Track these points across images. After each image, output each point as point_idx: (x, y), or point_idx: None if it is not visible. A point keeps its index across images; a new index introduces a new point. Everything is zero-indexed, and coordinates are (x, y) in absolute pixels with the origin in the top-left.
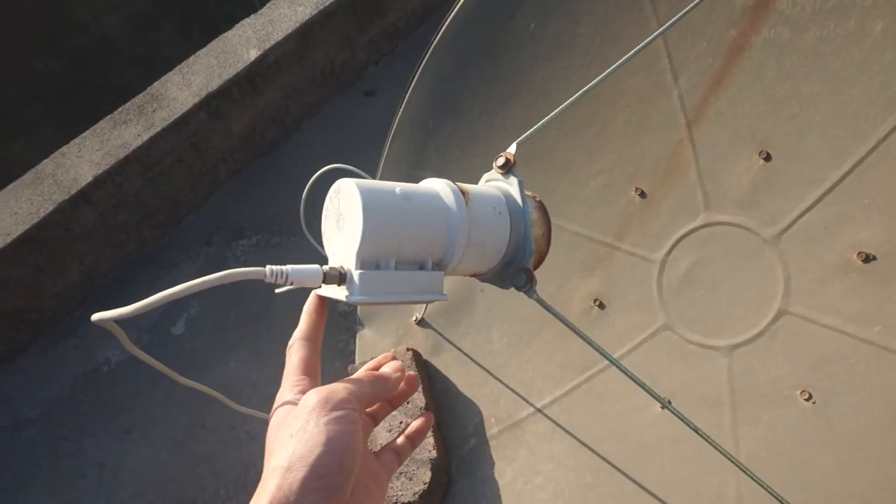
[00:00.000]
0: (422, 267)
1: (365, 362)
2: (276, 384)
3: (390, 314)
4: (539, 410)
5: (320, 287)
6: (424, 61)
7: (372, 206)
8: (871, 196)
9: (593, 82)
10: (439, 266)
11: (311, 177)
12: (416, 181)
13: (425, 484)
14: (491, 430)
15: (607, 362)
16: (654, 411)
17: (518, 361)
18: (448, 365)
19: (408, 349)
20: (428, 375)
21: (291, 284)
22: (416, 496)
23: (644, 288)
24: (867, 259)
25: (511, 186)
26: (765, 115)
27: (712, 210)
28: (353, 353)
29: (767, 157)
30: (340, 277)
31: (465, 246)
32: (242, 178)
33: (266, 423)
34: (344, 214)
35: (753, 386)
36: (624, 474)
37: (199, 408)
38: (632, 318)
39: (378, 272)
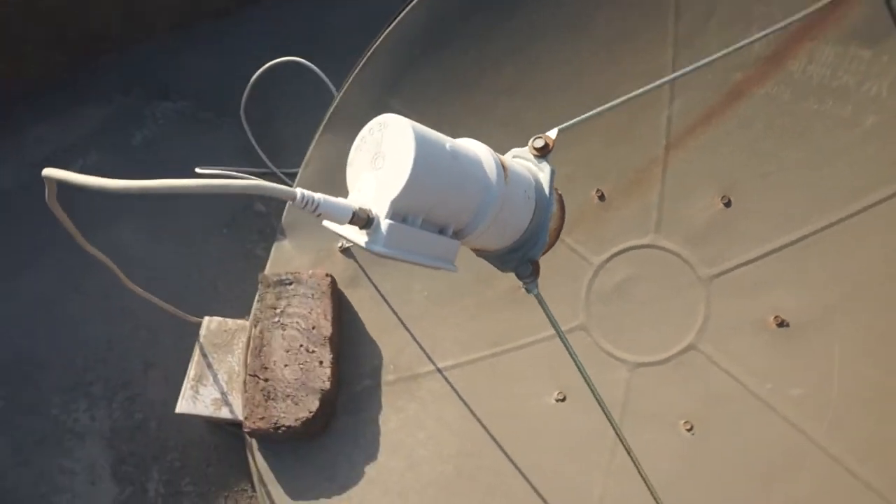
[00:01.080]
0: (441, 232)
1: (279, 275)
2: (167, 266)
3: (316, 233)
4: (439, 371)
5: (343, 226)
6: None
7: (423, 157)
8: (805, 270)
9: (638, 91)
10: (458, 235)
11: (259, 58)
12: (387, 108)
13: (310, 412)
14: (387, 376)
15: (519, 343)
16: (548, 402)
17: (432, 319)
18: (361, 301)
19: (327, 274)
20: (340, 306)
21: (318, 214)
22: (299, 422)
23: (575, 286)
24: (782, 324)
25: (542, 173)
26: (741, 163)
27: (661, 234)
28: (260, 257)
29: (728, 203)
30: (367, 221)
31: (491, 222)
32: (182, 35)
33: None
34: (385, 154)
35: (645, 405)
36: (504, 452)
37: (75, 269)
38: (554, 309)
39: (404, 226)
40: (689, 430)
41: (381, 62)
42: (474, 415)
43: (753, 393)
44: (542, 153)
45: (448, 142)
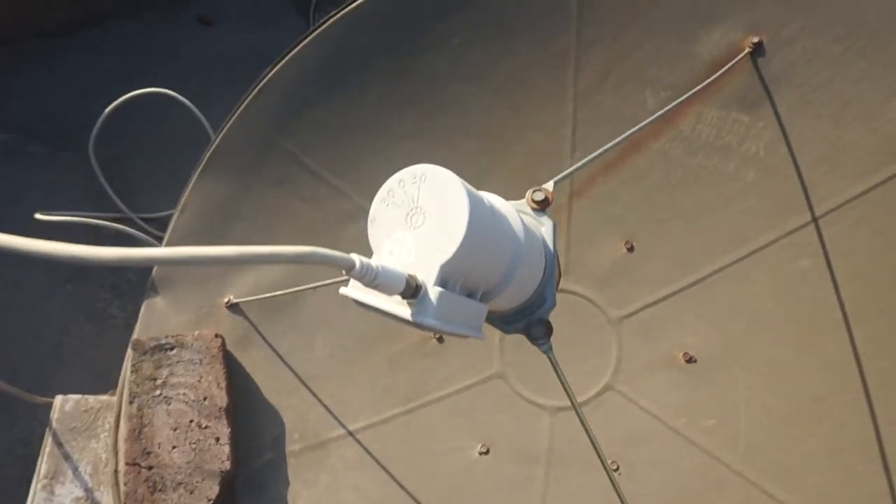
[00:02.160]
0: (470, 295)
1: (157, 339)
2: None
3: (195, 286)
4: (351, 434)
5: (394, 297)
6: (327, 25)
7: (476, 217)
8: (705, 309)
9: (626, 135)
10: (485, 297)
11: (106, 87)
12: (278, 149)
13: (210, 501)
14: (292, 446)
15: (434, 396)
16: (471, 456)
17: (338, 377)
18: (255, 363)
19: (217, 335)
20: (230, 371)
21: (376, 286)
22: None
23: (488, 333)
24: (690, 360)
25: (544, 227)
26: (640, 212)
27: (570, 279)
28: (116, 317)
29: (631, 248)
30: (415, 289)
31: (518, 281)
32: (11, 55)
33: None
34: (426, 210)
35: (571, 449)
36: None
37: None
38: (468, 359)
39: (449, 294)
40: (615, 469)
41: (270, 100)
42: (394, 478)
43: (670, 427)
44: (542, 206)
45: (483, 195)
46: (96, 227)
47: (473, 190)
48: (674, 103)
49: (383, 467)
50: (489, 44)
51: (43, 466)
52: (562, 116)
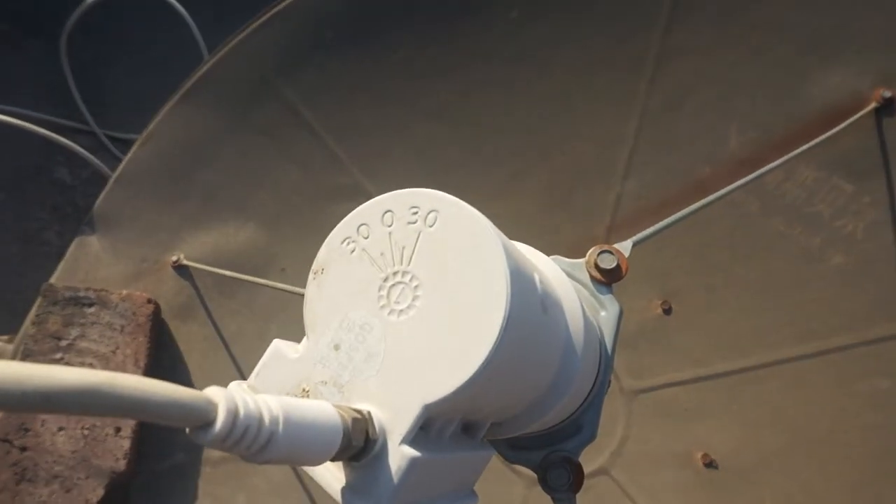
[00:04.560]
0: (468, 430)
1: (76, 289)
2: None
3: (143, 232)
4: None
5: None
6: None
7: (515, 320)
8: (741, 406)
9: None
10: (495, 432)
11: None
12: (276, 95)
13: None
14: (213, 451)
15: None
16: None
17: None
18: (191, 342)
19: (149, 300)
20: (156, 346)
21: (263, 460)
22: None
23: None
24: (709, 464)
25: (604, 312)
26: (688, 268)
27: None
28: (52, 245)
29: (668, 311)
30: (363, 445)
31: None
32: None
33: None
34: (422, 284)
35: None
36: None
37: None
38: None
39: (427, 459)
40: None
41: (278, 31)
42: None
43: None
44: (609, 280)
45: (535, 271)
46: (51, 135)
47: (514, 251)
48: (785, 158)
49: (313, 502)
50: (554, 24)
51: None
52: (621, 132)
